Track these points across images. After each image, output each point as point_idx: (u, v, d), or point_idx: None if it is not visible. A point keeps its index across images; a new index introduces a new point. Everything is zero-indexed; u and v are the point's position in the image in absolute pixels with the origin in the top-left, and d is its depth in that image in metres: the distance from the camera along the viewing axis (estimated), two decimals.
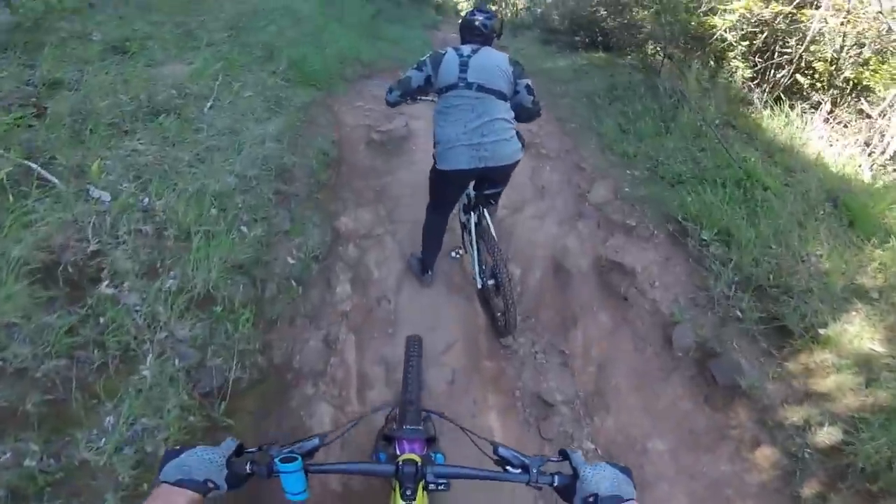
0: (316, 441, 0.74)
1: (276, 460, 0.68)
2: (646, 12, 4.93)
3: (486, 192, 2.05)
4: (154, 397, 1.32)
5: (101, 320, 1.41)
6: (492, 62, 1.91)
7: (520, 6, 12.02)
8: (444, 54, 1.94)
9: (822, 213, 2.51)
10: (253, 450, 0.72)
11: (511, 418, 1.93)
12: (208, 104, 2.65)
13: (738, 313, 2.06)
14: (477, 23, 2.01)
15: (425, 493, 0.76)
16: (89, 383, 1.28)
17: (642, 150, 3.35)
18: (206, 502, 0.62)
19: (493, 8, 12.00)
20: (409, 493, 0.74)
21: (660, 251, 2.45)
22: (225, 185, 2.14)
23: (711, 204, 2.51)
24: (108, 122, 2.09)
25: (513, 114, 1.94)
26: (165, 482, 0.60)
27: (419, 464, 0.74)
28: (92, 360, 1.31)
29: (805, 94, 4.06)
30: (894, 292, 2.01)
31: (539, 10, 10.60)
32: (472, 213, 2.14)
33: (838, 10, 3.64)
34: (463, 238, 2.31)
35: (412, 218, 2.85)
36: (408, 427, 1.07)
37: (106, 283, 1.52)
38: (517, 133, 1.97)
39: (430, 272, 2.44)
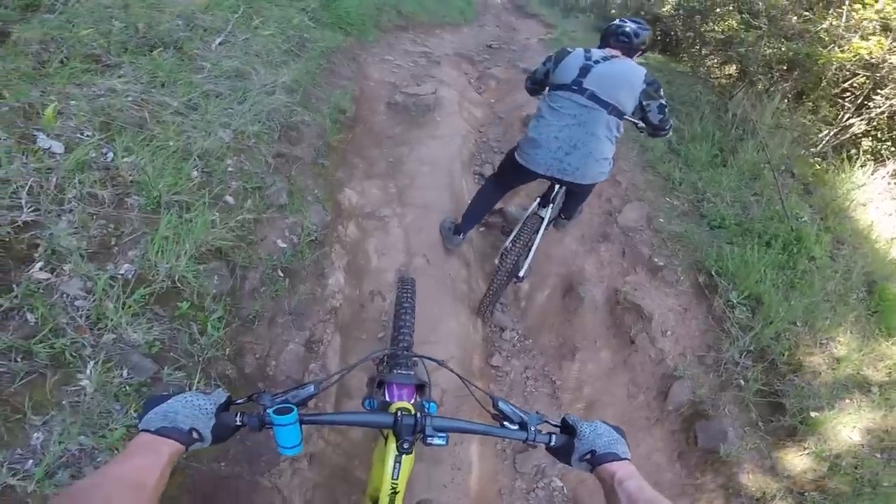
0: (311, 389, 0.79)
1: (270, 411, 0.71)
2: (749, 32, 5.01)
3: (558, 200, 2.43)
4: (94, 413, 1.23)
5: (30, 317, 1.27)
6: (621, 74, 2.05)
7: None
8: (570, 52, 2.15)
9: (854, 297, 2.84)
10: (241, 400, 0.77)
11: (489, 448, 2.24)
12: (218, 40, 2.66)
13: (742, 381, 2.38)
14: (628, 28, 2.12)
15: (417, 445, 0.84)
16: (12, 394, 1.18)
17: (690, 178, 3.60)
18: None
19: None
20: (406, 445, 0.80)
21: (681, 300, 2.75)
22: (216, 141, 2.08)
23: (750, 264, 2.77)
24: (86, 54, 2.01)
25: (619, 133, 2.17)
26: (146, 431, 0.63)
27: (418, 415, 0.80)
28: (14, 370, 1.19)
29: (876, 152, 4.28)
30: (893, 389, 2.37)
31: None
32: (541, 206, 2.45)
33: None
34: (521, 223, 2.58)
35: (424, 202, 3.04)
36: (398, 371, 1.17)
37: (39, 265, 1.34)
38: (612, 153, 2.22)
39: (461, 236, 2.75)
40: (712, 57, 6.36)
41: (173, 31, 2.44)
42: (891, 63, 4.04)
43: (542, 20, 8.85)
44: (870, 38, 4.04)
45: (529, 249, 2.48)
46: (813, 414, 2.21)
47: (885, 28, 4.11)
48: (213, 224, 1.81)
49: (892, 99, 4.19)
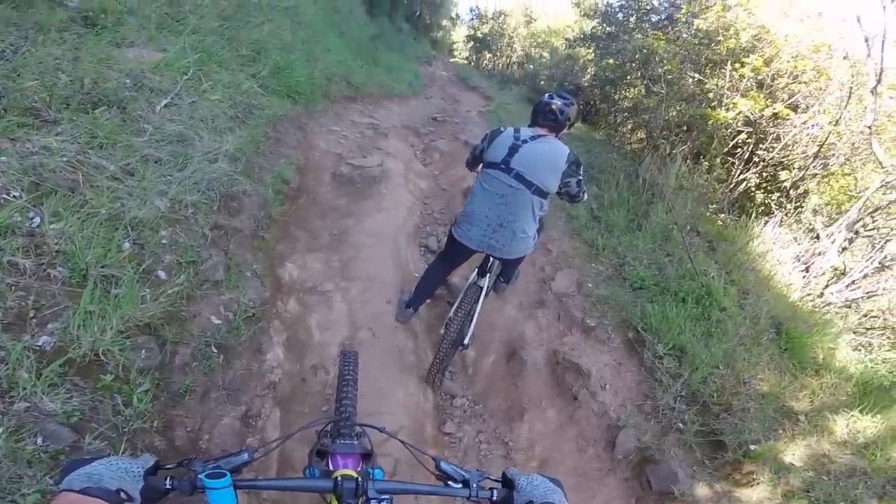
0: (245, 456, 0.80)
1: (202, 476, 0.72)
2: (650, 98, 5.65)
3: (494, 269, 2.57)
4: (3, 478, 1.22)
5: None
6: (545, 156, 2.18)
7: (513, 59, 13.47)
8: (502, 132, 2.31)
9: (765, 339, 3.18)
10: (171, 466, 0.77)
11: None
12: (164, 102, 2.63)
13: (681, 424, 2.56)
14: (554, 106, 2.21)
15: None
16: None
17: (611, 243, 3.97)
18: None
19: (489, 56, 13.46)
20: None
21: (615, 355, 2.96)
22: (151, 211, 2.03)
23: (670, 319, 3.06)
24: (26, 107, 1.97)
25: (542, 212, 2.33)
26: (69, 490, 0.62)
27: (359, 479, 0.82)
28: None
29: (765, 204, 4.96)
30: (818, 416, 2.64)
31: (531, 67, 11.97)
32: (479, 276, 2.57)
33: (826, 114, 4.54)
34: (463, 292, 2.67)
35: (370, 275, 3.10)
36: (342, 441, 1.17)
37: None
38: (538, 230, 2.40)
39: (412, 310, 2.82)
40: (624, 124, 7.09)
41: (119, 90, 2.40)
42: (766, 118, 4.72)
43: (482, 93, 9.49)
44: (747, 94, 4.71)
45: (472, 317, 2.57)
46: (752, 447, 2.39)
47: (760, 85, 4.85)
48: (143, 300, 1.76)
49: (771, 153, 4.91)
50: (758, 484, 2.30)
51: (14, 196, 1.65)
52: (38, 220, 1.66)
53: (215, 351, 1.98)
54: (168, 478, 0.72)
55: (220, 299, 2.14)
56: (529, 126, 2.32)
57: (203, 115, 2.78)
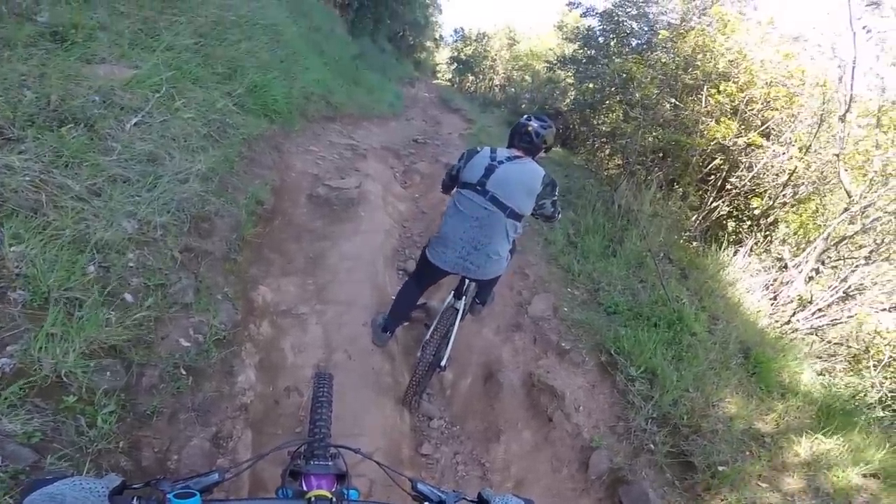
0: (215, 476, 0.79)
1: (171, 496, 0.70)
2: (628, 123, 5.73)
3: (470, 291, 2.61)
4: None
5: None
6: (520, 178, 2.20)
7: (495, 82, 13.81)
8: (478, 152, 2.32)
9: (734, 363, 3.30)
10: (138, 485, 0.75)
11: None
12: (134, 120, 2.55)
13: (652, 446, 2.62)
14: (530, 129, 2.23)
15: None
16: None
17: (586, 269, 4.05)
18: None
19: (472, 79, 13.79)
20: None
21: (588, 378, 3.02)
22: (118, 232, 1.99)
23: (642, 343, 3.14)
24: None
25: (517, 234, 2.36)
26: None
27: (332, 500, 0.81)
28: None
29: (736, 232, 5.12)
30: (783, 438, 2.74)
31: (513, 90, 12.28)
32: (455, 299, 2.59)
33: (795, 143, 4.66)
34: (439, 315, 2.67)
35: (346, 298, 3.10)
36: (315, 462, 1.15)
37: None
38: (510, 250, 2.43)
39: (389, 333, 2.82)
40: (602, 149, 7.17)
41: (87, 107, 2.35)
42: (738, 146, 4.83)
43: (463, 115, 9.51)
44: (721, 121, 4.81)
45: (448, 339, 2.58)
46: (721, 468, 2.46)
47: (735, 111, 4.95)
48: (108, 322, 1.73)
49: (743, 180, 5.02)
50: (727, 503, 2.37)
51: None
52: None
53: (184, 373, 1.95)
54: (135, 498, 0.71)
55: (190, 322, 2.10)
56: (507, 147, 2.34)
57: (175, 134, 2.72)
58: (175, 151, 2.61)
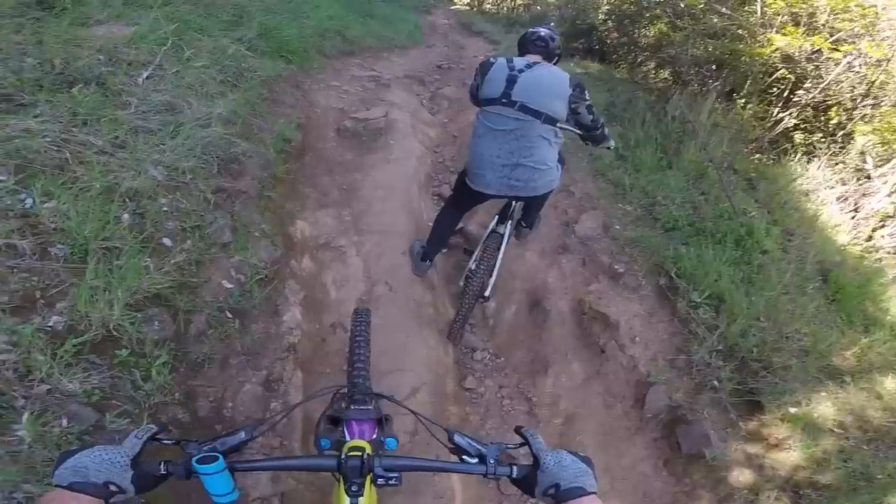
0: (242, 435, 0.77)
1: (194, 461, 0.69)
2: (675, 33, 5.34)
3: (517, 214, 2.44)
4: (37, 462, 1.22)
5: None
6: (547, 81, 2.06)
7: (519, 1, 12.63)
8: (493, 63, 2.13)
9: (811, 287, 2.93)
10: (169, 441, 0.75)
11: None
12: (145, 73, 2.55)
13: (716, 382, 2.39)
14: (542, 33, 2.17)
15: (373, 486, 0.80)
16: None
17: (639, 182, 3.69)
18: None
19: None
20: (354, 488, 0.76)
21: (645, 305, 2.77)
22: (147, 180, 1.98)
23: (706, 263, 2.83)
24: None
25: (559, 140, 2.16)
26: (59, 486, 0.62)
27: (365, 454, 0.77)
28: None
29: (807, 144, 4.60)
30: (863, 378, 2.43)
31: (538, 8, 11.28)
32: (499, 223, 2.45)
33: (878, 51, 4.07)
34: (483, 242, 2.57)
35: (382, 227, 3.00)
36: (356, 407, 1.11)
37: None
38: (559, 161, 2.22)
39: (428, 262, 2.73)
40: (647, 62, 6.71)
41: (94, 67, 2.33)
42: (805, 55, 4.28)
43: (487, 37, 9.11)
44: (783, 30, 4.27)
45: (493, 268, 2.47)
46: (791, 410, 2.23)
47: (796, 22, 4.38)
48: (148, 270, 1.72)
49: (812, 92, 4.49)
50: (794, 449, 2.16)
51: (1, 179, 1.62)
52: (29, 200, 1.64)
53: (230, 316, 1.95)
54: (162, 462, 0.70)
55: (230, 262, 2.09)
56: (519, 55, 2.18)
57: (190, 83, 2.71)
58: (193, 99, 2.60)
